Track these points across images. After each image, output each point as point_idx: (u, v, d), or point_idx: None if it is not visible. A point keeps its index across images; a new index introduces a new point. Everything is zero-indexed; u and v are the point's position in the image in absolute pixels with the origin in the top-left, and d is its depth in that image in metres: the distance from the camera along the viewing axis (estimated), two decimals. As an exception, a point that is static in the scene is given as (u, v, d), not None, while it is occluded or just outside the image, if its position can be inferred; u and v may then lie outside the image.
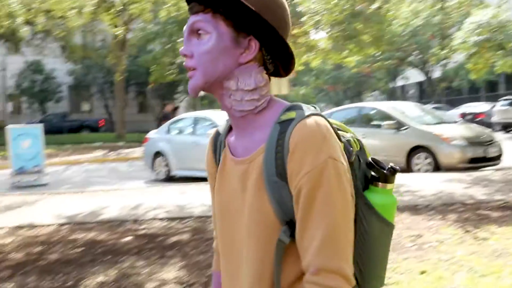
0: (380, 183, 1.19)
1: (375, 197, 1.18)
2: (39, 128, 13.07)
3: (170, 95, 35.36)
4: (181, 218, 7.03)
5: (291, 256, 1.11)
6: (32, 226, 6.90)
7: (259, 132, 1.16)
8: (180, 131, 12.36)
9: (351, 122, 12.12)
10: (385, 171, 1.18)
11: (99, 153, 20.20)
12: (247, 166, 1.16)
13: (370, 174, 1.21)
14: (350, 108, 13.11)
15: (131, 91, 36.76)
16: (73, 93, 38.55)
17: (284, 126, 1.11)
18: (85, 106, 39.40)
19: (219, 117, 11.60)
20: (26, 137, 12.61)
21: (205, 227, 6.41)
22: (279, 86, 19.27)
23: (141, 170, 13.59)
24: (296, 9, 19.42)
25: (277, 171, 1.10)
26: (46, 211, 7.94)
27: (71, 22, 13.48)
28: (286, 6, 1.19)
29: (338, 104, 62.99)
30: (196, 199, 8.35)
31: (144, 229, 6.50)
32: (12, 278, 4.68)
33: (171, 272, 4.67)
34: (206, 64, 1.13)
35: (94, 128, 33.79)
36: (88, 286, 4.39)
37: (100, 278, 4.56)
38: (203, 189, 9.64)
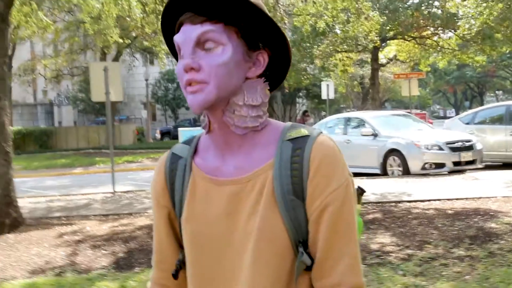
0: None
1: None
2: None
3: (293, 100, 36.84)
4: (363, 203, 8.08)
5: (303, 281, 1.08)
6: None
7: (259, 150, 1.10)
8: (331, 131, 13.47)
9: (497, 120, 12.53)
10: (356, 192, 1.17)
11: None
12: (242, 186, 1.09)
13: None
14: (497, 107, 13.42)
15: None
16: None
17: (299, 143, 1.07)
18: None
19: (370, 117, 12.60)
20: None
21: (388, 209, 7.40)
22: (409, 87, 19.86)
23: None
24: (425, 11, 19.88)
25: (293, 189, 1.05)
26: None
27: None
28: None
29: (456, 106, 61.18)
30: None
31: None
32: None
33: (385, 238, 5.74)
34: (222, 77, 1.04)
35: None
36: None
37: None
38: (363, 182, 10.67)
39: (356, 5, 10.61)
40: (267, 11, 1.07)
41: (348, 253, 1.04)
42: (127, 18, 14.12)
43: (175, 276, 1.18)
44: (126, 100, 39.34)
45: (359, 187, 1.23)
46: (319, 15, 11.69)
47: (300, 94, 37.11)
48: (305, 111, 30.19)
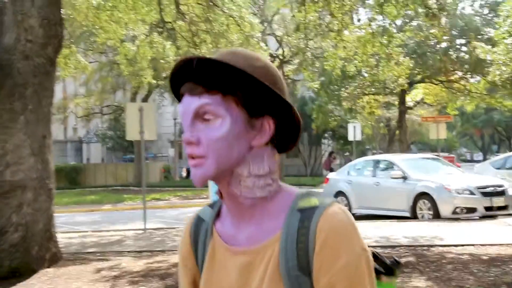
0: (384, 276, 1.13)
1: None
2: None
3: (319, 141, 36.98)
4: (392, 246, 8.10)
5: None
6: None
7: (269, 220, 1.06)
8: (360, 173, 13.52)
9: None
10: (390, 266, 1.13)
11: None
12: (253, 257, 1.05)
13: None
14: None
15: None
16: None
17: (306, 214, 1.02)
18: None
19: (399, 160, 12.65)
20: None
21: (421, 253, 7.40)
22: (437, 130, 19.86)
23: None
24: (453, 55, 20.07)
25: (299, 264, 1.00)
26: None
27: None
28: (280, 74, 1.13)
29: (484, 149, 60.54)
30: (394, 232, 9.39)
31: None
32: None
33: (421, 282, 5.76)
34: (220, 152, 1.02)
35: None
36: None
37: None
38: (393, 224, 10.66)
39: (387, 50, 10.85)
40: (266, 81, 1.03)
41: None
42: (161, 61, 14.60)
43: None
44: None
45: (394, 259, 1.15)
46: (349, 59, 11.96)
47: (326, 135, 37.25)
48: (331, 152, 30.33)
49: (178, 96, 1.10)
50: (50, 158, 7.40)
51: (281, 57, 24.27)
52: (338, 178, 13.90)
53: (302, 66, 17.46)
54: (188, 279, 1.18)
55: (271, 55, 18.62)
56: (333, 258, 0.97)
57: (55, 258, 7.41)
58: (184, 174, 36.13)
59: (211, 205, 1.19)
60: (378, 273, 1.11)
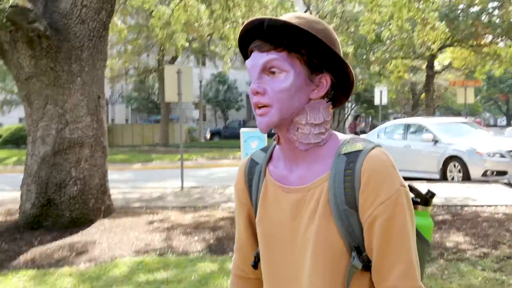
0: (420, 206, 1.28)
1: (416, 219, 1.23)
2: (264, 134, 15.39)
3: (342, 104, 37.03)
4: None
5: (358, 280, 1.16)
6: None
7: (319, 163, 1.20)
8: (390, 136, 13.77)
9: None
10: (425, 196, 1.28)
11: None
12: (304, 194, 1.20)
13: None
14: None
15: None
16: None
17: (352, 157, 1.15)
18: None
19: (430, 123, 12.87)
20: (254, 139, 15.00)
21: (455, 212, 7.73)
22: (465, 95, 19.87)
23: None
24: (486, 19, 19.86)
25: (347, 199, 1.14)
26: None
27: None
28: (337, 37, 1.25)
29: (508, 114, 59.85)
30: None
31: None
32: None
33: (459, 237, 6.12)
34: (283, 101, 1.16)
35: (268, 135, 36.67)
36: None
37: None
38: (424, 186, 10.98)
39: (423, 15, 10.93)
40: (327, 41, 1.17)
41: (401, 261, 1.11)
42: (195, 25, 14.80)
43: (254, 267, 1.36)
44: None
45: (429, 190, 1.28)
46: (384, 24, 12.06)
47: (349, 98, 37.26)
48: (357, 116, 30.45)
49: (244, 54, 1.26)
50: (104, 118, 7.82)
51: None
52: (367, 141, 14.17)
53: (337, 30, 17.52)
54: (244, 213, 1.36)
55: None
56: (376, 194, 1.11)
57: (109, 210, 7.93)
58: (208, 136, 36.66)
59: (264, 149, 1.34)
60: (414, 203, 1.26)
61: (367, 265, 1.15)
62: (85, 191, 7.44)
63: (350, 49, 17.14)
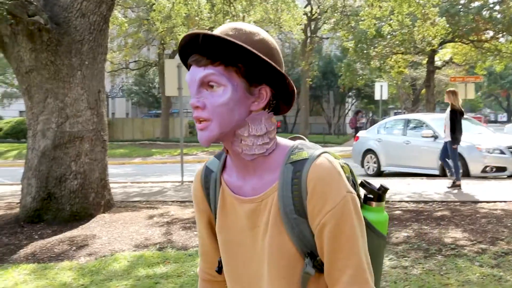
0: (373, 202, 1.28)
1: (370, 215, 1.26)
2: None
3: (343, 99, 37.07)
4: (425, 202, 8.46)
5: (314, 283, 1.20)
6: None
7: (268, 172, 1.22)
8: (390, 132, 13.79)
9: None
10: (379, 192, 1.28)
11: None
12: (257, 204, 1.22)
13: (362, 194, 1.30)
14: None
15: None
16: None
17: (298, 166, 1.17)
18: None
19: (430, 119, 12.88)
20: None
21: (454, 208, 7.76)
22: (466, 90, 19.87)
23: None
24: (487, 15, 19.83)
25: (295, 208, 1.16)
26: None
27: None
28: (277, 47, 1.25)
29: (508, 110, 59.84)
30: (426, 188, 9.74)
31: (401, 207, 8.06)
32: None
33: (457, 233, 6.14)
34: (223, 115, 1.16)
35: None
36: (398, 238, 6.03)
37: (404, 234, 6.19)
38: (424, 181, 11.01)
39: (423, 10, 10.92)
40: (263, 53, 1.16)
41: (350, 266, 1.14)
42: (196, 18, 14.79)
43: (218, 272, 1.39)
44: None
45: (381, 186, 1.28)
46: (384, 19, 12.05)
47: (350, 94, 37.27)
48: (358, 111, 30.45)
49: (186, 65, 1.25)
50: (104, 112, 7.83)
51: (309, 15, 24.19)
52: (367, 136, 14.20)
53: (337, 25, 17.49)
54: (204, 220, 1.38)
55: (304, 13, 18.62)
56: (323, 202, 1.13)
57: (109, 204, 7.95)
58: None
59: (217, 156, 1.35)
60: (368, 199, 1.28)
61: (322, 269, 1.18)
62: (85, 185, 7.45)
63: (350, 44, 17.11)
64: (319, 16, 24.24)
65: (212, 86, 1.16)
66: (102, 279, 4.88)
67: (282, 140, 1.26)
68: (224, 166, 1.31)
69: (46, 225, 7.02)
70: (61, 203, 7.29)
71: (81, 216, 7.31)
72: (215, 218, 1.33)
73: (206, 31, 1.16)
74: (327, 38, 28.19)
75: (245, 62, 1.17)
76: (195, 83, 1.18)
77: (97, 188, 7.63)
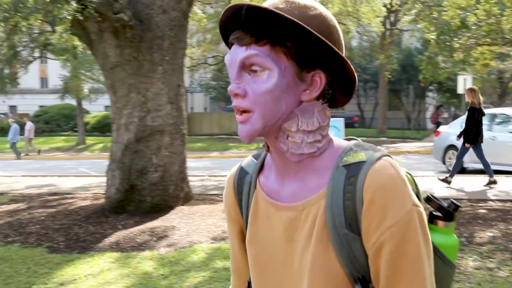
0: (441, 221, 1.08)
1: (437, 237, 1.06)
2: (340, 121, 15.17)
3: (423, 93, 35.86)
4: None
5: None
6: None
7: (315, 176, 1.01)
8: (475, 127, 13.13)
9: None
10: (448, 209, 1.07)
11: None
12: (298, 213, 1.02)
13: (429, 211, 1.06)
14: None
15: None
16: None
17: (353, 169, 0.96)
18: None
19: (519, 114, 12.17)
20: (331, 129, 14.85)
21: (546, 208, 7.29)
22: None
23: (421, 162, 14.76)
24: None
25: (347, 222, 0.95)
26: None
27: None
28: (337, 25, 1.05)
29: None
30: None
31: (486, 206, 7.66)
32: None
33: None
34: (267, 105, 0.97)
35: (348, 124, 36.20)
36: (483, 238, 5.73)
37: (489, 234, 5.89)
38: (510, 179, 10.42)
39: (513, -2, 10.31)
40: (319, 31, 0.97)
41: None
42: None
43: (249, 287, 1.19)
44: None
45: (452, 202, 1.08)
46: (470, 9, 11.49)
47: (431, 87, 35.98)
48: (439, 106, 29.37)
49: (227, 44, 1.05)
50: (183, 106, 8.02)
51: (388, 6, 23.53)
52: (450, 131, 13.62)
53: (419, 16, 16.92)
54: (236, 230, 1.18)
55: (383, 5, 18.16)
56: (382, 215, 0.92)
57: (187, 197, 8.14)
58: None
59: (255, 156, 1.15)
60: (435, 218, 1.07)
61: None
62: (165, 178, 7.67)
63: (432, 36, 16.49)
64: (399, 8, 23.54)
65: (255, 71, 0.97)
66: (181, 270, 4.99)
67: (335, 139, 1.05)
68: (262, 167, 1.12)
69: (128, 216, 7.30)
70: (143, 195, 7.55)
71: (161, 208, 7.53)
72: (246, 228, 1.13)
73: (250, 3, 0.96)
74: (407, 30, 27.33)
75: (296, 42, 0.96)
76: (235, 65, 0.99)
77: (176, 180, 7.83)
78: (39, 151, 22.53)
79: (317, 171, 1.01)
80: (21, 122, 25.47)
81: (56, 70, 32.86)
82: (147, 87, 7.55)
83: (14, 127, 21.52)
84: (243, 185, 1.13)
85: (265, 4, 0.98)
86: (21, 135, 22.30)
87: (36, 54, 17.14)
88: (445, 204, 1.07)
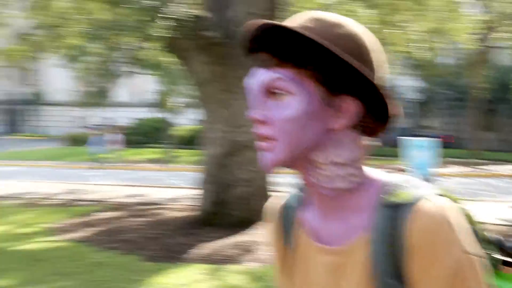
0: (509, 267, 0.96)
1: (503, 285, 0.96)
2: (428, 141, 14.54)
3: (518, 112, 33.90)
4: None
5: None
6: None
7: (355, 215, 0.93)
8: None
9: None
10: None
11: (454, 169, 20.85)
12: (343, 259, 0.93)
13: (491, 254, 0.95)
14: None
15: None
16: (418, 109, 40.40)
17: (396, 211, 0.87)
18: (426, 122, 40.80)
19: None
20: (418, 148, 14.18)
21: None
22: None
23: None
24: None
25: (391, 270, 0.87)
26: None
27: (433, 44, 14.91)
28: (378, 43, 0.94)
29: None
30: None
31: None
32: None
33: None
34: (292, 134, 0.89)
35: (443, 144, 34.76)
36: None
37: None
38: None
39: None
40: (348, 52, 0.86)
41: None
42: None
43: None
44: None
45: None
46: None
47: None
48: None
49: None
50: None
51: (488, 23, 22.58)
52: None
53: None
54: (281, 265, 1.08)
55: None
56: (428, 264, 0.83)
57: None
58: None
59: (301, 188, 1.05)
60: (505, 264, 0.96)
61: None
62: (250, 192, 7.78)
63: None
64: (496, 24, 22.53)
65: (278, 95, 0.89)
66: (268, 286, 5.02)
67: (371, 171, 0.95)
68: (304, 201, 1.02)
69: (217, 228, 7.46)
70: (231, 209, 7.70)
71: (247, 222, 7.63)
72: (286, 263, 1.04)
73: (269, 21, 0.87)
74: (504, 48, 26.06)
75: (323, 64, 0.87)
76: (257, 89, 0.91)
77: (260, 195, 7.91)
78: (103, 163, 22.21)
79: (356, 209, 0.93)
80: (110, 133, 26.50)
81: (143, 85, 34.42)
82: (234, 103, 7.73)
83: (99, 138, 22.96)
84: (288, 219, 1.04)
85: (291, 22, 0.90)
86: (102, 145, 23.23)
87: (128, 69, 18.03)
88: (508, 247, 0.96)
